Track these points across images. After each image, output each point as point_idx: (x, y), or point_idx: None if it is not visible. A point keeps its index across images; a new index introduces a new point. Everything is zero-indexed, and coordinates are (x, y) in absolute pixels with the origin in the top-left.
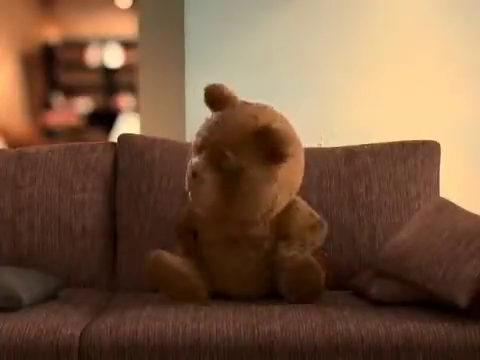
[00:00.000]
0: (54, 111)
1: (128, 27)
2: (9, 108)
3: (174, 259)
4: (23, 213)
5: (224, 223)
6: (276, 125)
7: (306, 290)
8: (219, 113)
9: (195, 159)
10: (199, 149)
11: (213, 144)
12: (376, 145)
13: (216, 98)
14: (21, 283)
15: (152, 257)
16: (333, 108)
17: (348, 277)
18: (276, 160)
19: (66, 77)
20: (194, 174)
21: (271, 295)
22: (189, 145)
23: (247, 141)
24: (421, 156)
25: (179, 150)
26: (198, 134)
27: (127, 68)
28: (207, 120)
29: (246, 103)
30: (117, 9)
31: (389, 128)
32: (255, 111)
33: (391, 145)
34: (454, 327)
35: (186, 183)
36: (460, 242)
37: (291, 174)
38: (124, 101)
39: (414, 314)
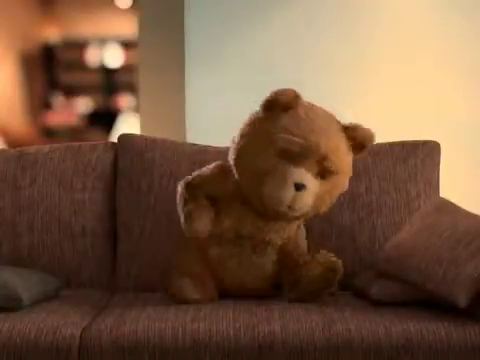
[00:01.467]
0: (54, 111)
1: (128, 27)
2: (9, 108)
3: (194, 293)
4: (23, 213)
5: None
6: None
7: (321, 288)
8: (293, 112)
9: (295, 169)
10: (290, 154)
11: (314, 151)
12: (376, 145)
13: (284, 103)
14: (21, 283)
15: (174, 290)
16: (333, 108)
17: (348, 277)
18: (362, 151)
19: (66, 77)
20: (301, 186)
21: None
22: (189, 145)
23: (340, 141)
24: (421, 156)
25: (179, 150)
26: (284, 138)
27: (127, 68)
28: (283, 123)
29: (304, 101)
30: (117, 9)
31: (389, 128)
32: (322, 108)
33: (391, 145)
34: (454, 327)
35: (282, 191)
36: (460, 242)
37: (328, 200)
38: (124, 101)
39: (414, 314)
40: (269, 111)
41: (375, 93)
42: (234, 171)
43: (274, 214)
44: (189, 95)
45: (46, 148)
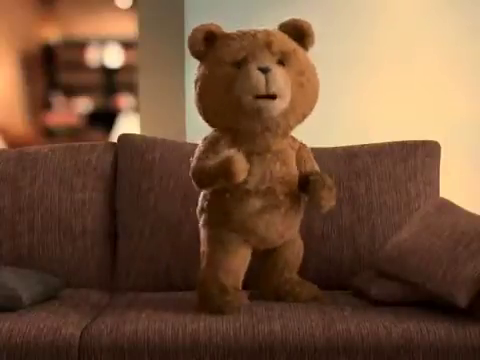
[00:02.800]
0: (54, 111)
1: (128, 27)
2: (9, 108)
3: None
4: (23, 213)
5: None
6: None
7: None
8: (224, 39)
9: (252, 64)
10: (240, 62)
11: (257, 43)
12: (376, 145)
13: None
14: (21, 283)
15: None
16: (333, 108)
17: (348, 277)
18: (306, 42)
19: (66, 77)
20: (266, 69)
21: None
22: (189, 145)
23: (280, 34)
24: (421, 156)
25: (179, 150)
26: (230, 52)
27: (127, 68)
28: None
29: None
30: (117, 9)
31: (389, 128)
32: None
33: (391, 145)
34: (454, 327)
35: (252, 80)
36: (460, 242)
37: (304, 97)
38: (124, 101)
39: (414, 314)
40: (202, 52)
41: (375, 93)
42: (206, 110)
43: (260, 117)
44: (189, 95)
45: (46, 148)
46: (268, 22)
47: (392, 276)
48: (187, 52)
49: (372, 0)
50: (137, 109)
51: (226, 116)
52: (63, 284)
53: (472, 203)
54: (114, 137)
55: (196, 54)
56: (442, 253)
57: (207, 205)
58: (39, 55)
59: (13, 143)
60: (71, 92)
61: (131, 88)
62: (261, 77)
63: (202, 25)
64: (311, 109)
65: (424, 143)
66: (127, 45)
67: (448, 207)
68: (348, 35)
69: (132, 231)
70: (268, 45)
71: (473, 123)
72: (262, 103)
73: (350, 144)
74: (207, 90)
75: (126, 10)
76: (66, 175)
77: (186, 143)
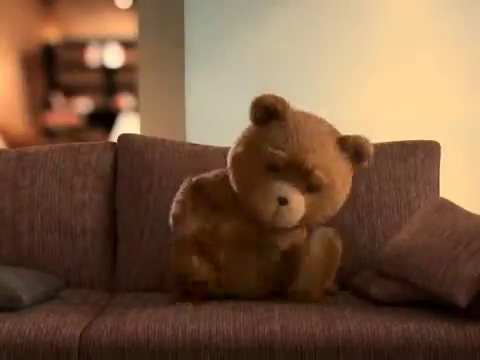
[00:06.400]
0: (54, 111)
1: (128, 27)
2: (9, 108)
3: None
4: (23, 213)
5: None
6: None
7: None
8: (284, 124)
9: (279, 183)
10: (277, 168)
11: (299, 166)
12: (376, 145)
13: (269, 110)
14: (21, 283)
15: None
16: (333, 108)
17: (348, 277)
18: (362, 160)
19: (66, 77)
20: (284, 201)
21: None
22: (189, 145)
23: (332, 154)
24: (421, 156)
25: (179, 150)
26: (271, 152)
27: (127, 68)
28: (267, 132)
29: (299, 112)
30: (117, 9)
31: (389, 128)
32: (320, 119)
33: (391, 145)
34: (454, 327)
35: (265, 204)
36: (460, 242)
37: (323, 217)
38: (124, 101)
39: (414, 314)
40: (259, 120)
41: (375, 93)
42: (230, 177)
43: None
44: (189, 95)
45: (46, 148)
46: (268, 22)
47: (392, 276)
48: (187, 52)
49: (372, 1)
50: (137, 109)
51: (239, 193)
52: (63, 284)
53: (472, 203)
54: (114, 137)
55: (255, 121)
56: (442, 253)
57: None
58: (39, 55)
59: (13, 143)
60: (71, 92)
61: (131, 88)
62: (275, 207)
63: (270, 95)
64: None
65: (424, 143)
66: (127, 45)
67: (448, 207)
68: (348, 35)
69: (132, 231)
70: (308, 175)
71: (473, 123)
72: (267, 222)
73: None
74: (239, 169)
75: (126, 10)
76: (66, 175)
77: (186, 143)
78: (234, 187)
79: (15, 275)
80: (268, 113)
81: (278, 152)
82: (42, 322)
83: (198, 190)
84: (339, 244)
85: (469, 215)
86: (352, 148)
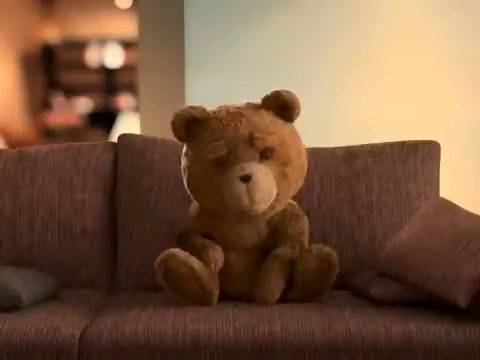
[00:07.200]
0: (54, 111)
1: (128, 27)
2: (9, 108)
3: (189, 258)
4: (23, 213)
5: (245, 224)
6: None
7: (318, 284)
8: (208, 123)
9: (233, 167)
10: (223, 158)
11: (239, 140)
12: (376, 145)
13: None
14: (21, 283)
15: (166, 254)
16: (333, 108)
17: (348, 277)
18: (291, 111)
19: (66, 77)
20: (247, 177)
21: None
22: None
23: (262, 115)
24: (421, 156)
25: (179, 150)
26: (209, 148)
27: (127, 68)
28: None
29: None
30: (117, 9)
31: (389, 128)
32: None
33: (391, 145)
34: (454, 327)
35: (234, 191)
36: (460, 242)
37: (289, 187)
38: (124, 101)
39: (414, 314)
40: (183, 137)
41: (375, 93)
42: (193, 196)
43: (245, 216)
44: (189, 95)
45: (46, 148)
46: (268, 22)
47: (392, 276)
48: (187, 52)
49: (372, 1)
50: (137, 109)
51: (215, 208)
52: (63, 284)
53: (472, 203)
54: (114, 137)
55: (179, 139)
56: (442, 253)
57: None
58: (39, 55)
59: (13, 143)
60: (71, 92)
61: (131, 88)
62: (243, 187)
63: (183, 110)
64: (296, 191)
65: (424, 143)
66: (127, 45)
67: (448, 207)
68: (348, 36)
69: (132, 231)
70: (251, 142)
71: (473, 123)
72: (246, 208)
73: (350, 144)
74: (196, 188)
75: (126, 10)
76: (66, 175)
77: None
78: (202, 202)
79: (15, 275)
80: (190, 124)
81: (215, 143)
82: (42, 322)
83: (185, 239)
84: (335, 261)
85: (469, 215)
86: (275, 104)
